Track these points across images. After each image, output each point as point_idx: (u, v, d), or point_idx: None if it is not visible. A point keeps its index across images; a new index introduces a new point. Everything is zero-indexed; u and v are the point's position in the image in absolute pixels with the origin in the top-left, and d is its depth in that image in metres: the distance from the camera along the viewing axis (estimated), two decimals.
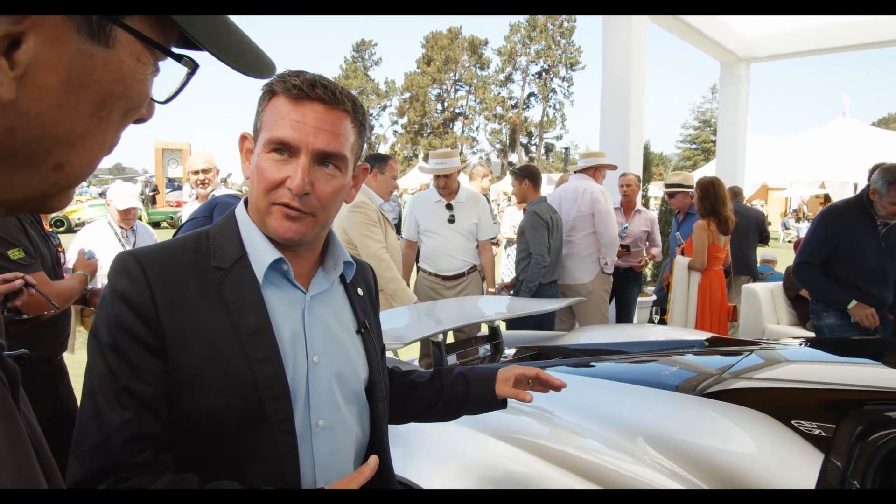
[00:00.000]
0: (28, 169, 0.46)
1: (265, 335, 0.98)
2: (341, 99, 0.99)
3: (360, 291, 1.20)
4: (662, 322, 5.22)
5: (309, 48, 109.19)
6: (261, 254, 1.02)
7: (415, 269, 4.62)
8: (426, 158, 4.51)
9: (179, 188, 21.84)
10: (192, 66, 0.54)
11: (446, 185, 4.17)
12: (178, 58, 0.52)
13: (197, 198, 3.85)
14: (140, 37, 0.48)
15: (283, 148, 0.97)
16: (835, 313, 3.49)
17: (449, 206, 4.20)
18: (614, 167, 5.04)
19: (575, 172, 4.86)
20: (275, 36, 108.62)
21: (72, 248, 3.32)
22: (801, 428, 1.72)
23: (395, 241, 3.85)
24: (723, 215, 4.51)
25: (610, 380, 2.20)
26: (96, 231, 3.47)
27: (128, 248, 3.18)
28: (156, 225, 19.91)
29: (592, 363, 2.51)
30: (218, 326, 0.96)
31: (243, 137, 1.06)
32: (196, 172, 3.75)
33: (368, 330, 1.17)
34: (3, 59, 0.41)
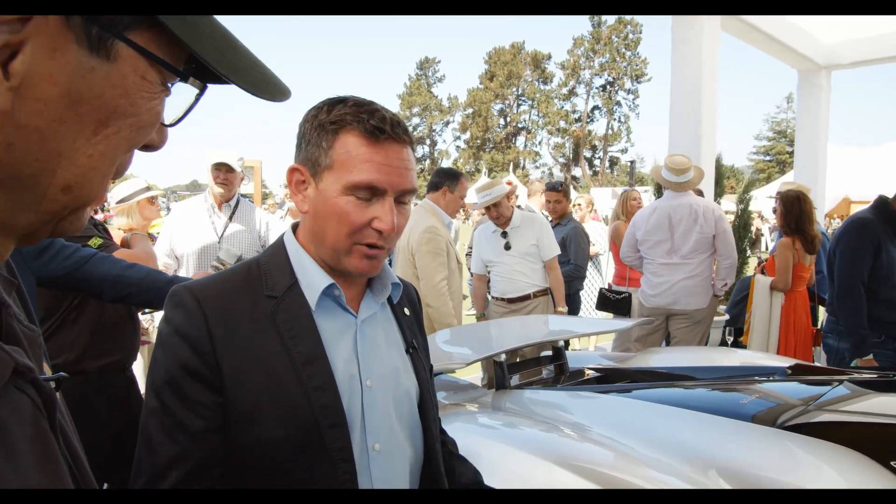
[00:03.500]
0: (35, 190, 0.45)
1: (320, 363, 0.98)
2: (408, 133, 1.01)
3: (406, 311, 1.20)
4: (737, 344, 4.95)
5: (373, 65, 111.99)
6: (313, 280, 1.02)
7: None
8: (489, 173, 4.48)
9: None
10: (200, 87, 0.53)
11: (499, 214, 4.16)
12: (185, 77, 0.51)
13: (287, 212, 3.93)
14: (143, 52, 0.46)
15: (369, 190, 0.96)
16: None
17: (504, 234, 4.19)
18: (701, 174, 4.61)
19: (667, 189, 4.42)
20: (338, 54, 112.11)
21: (164, 231, 3.40)
22: None
23: (455, 266, 3.82)
24: (809, 233, 4.24)
25: (680, 407, 2.08)
26: (189, 210, 3.42)
27: (218, 234, 3.23)
28: None
29: (662, 388, 2.39)
30: (273, 356, 0.96)
31: (295, 170, 1.02)
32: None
33: (417, 350, 1.17)
34: None
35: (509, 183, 5.80)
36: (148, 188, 3.59)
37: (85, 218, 0.52)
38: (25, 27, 0.41)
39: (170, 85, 0.51)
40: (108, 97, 0.45)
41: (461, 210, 4.29)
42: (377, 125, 0.95)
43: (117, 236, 2.80)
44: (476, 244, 4.43)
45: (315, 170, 0.99)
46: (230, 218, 3.29)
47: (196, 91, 0.54)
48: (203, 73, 0.53)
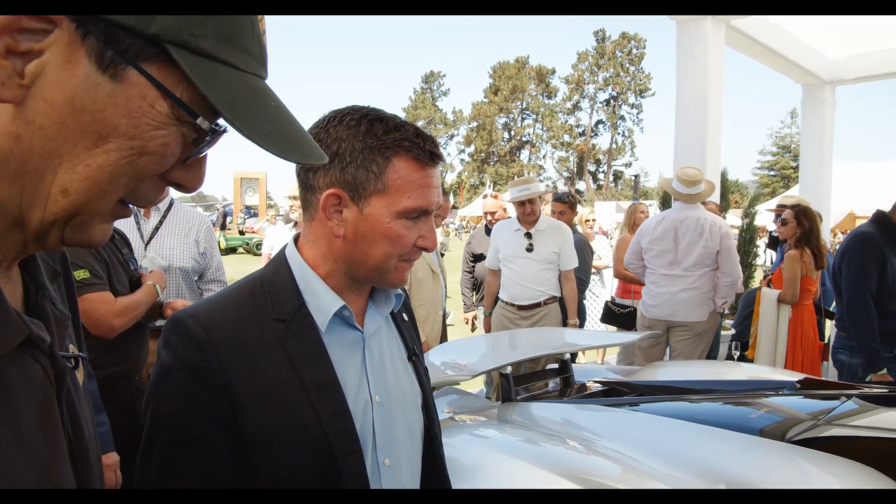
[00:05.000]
0: (40, 186, 0.50)
1: (332, 388, 0.96)
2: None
3: (405, 316, 1.20)
4: (743, 358, 4.91)
5: (379, 78, 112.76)
6: (322, 302, 0.99)
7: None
8: (493, 186, 4.51)
9: (255, 215, 22.79)
10: (209, 129, 0.54)
11: (532, 211, 4.15)
12: (194, 114, 0.52)
13: (294, 225, 3.75)
14: (151, 80, 0.50)
15: (418, 212, 0.98)
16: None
17: (528, 235, 4.16)
18: (712, 187, 4.59)
19: (676, 201, 4.40)
20: (345, 66, 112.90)
21: (266, 241, 3.37)
22: None
23: (422, 275, 3.87)
24: (819, 248, 4.22)
25: (688, 421, 2.07)
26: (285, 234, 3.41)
27: (144, 240, 2.91)
28: (232, 250, 20.79)
29: (668, 402, 2.37)
30: (285, 384, 0.93)
31: (335, 196, 0.96)
32: (295, 197, 3.69)
33: (418, 356, 1.17)
34: (11, 64, 0.46)
35: (495, 196, 5.81)
36: None
37: (93, 234, 0.55)
38: (47, 37, 0.46)
39: (193, 124, 0.53)
40: (109, 113, 0.49)
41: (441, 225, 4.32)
42: (433, 151, 0.97)
43: None
44: (493, 239, 4.41)
45: (357, 193, 0.95)
46: (160, 223, 2.93)
47: (210, 132, 0.55)
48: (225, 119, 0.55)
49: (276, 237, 5.13)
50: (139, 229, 2.89)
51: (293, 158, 0.56)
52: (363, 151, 0.93)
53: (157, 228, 2.92)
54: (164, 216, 2.96)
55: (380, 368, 1.05)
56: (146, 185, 0.55)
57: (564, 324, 4.23)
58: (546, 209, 5.77)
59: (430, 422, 1.15)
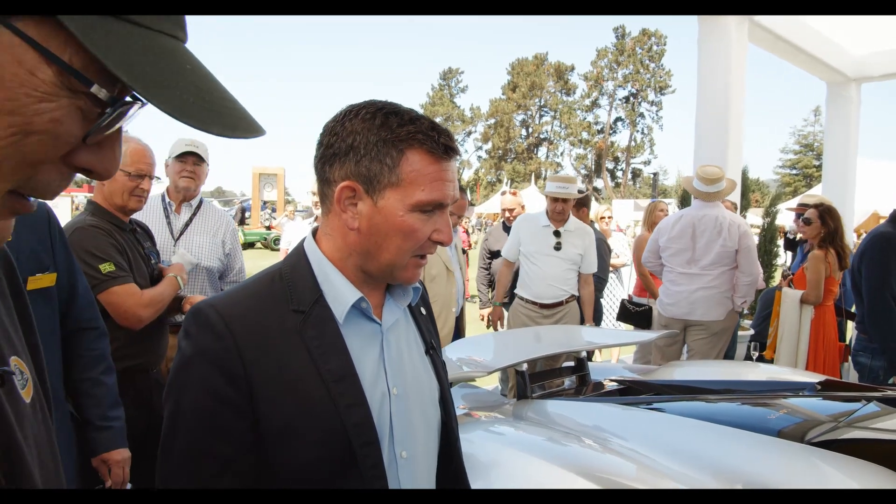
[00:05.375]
0: None
1: (350, 380, 0.97)
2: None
3: (422, 310, 1.20)
4: (761, 359, 4.86)
5: (397, 75, 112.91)
6: (340, 294, 1.00)
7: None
8: (510, 183, 4.50)
9: (273, 210, 22.96)
10: (111, 101, 0.45)
11: (563, 209, 4.14)
12: (87, 81, 0.43)
13: (315, 219, 3.73)
14: (28, 41, 0.41)
15: (433, 206, 0.97)
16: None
17: (557, 233, 4.15)
18: (733, 185, 4.52)
19: (695, 199, 4.36)
20: (362, 63, 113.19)
21: (283, 236, 3.39)
22: None
23: (437, 272, 3.90)
24: (843, 248, 4.16)
25: (705, 421, 2.05)
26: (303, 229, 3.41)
27: (175, 236, 2.89)
28: (250, 245, 20.97)
29: (686, 402, 2.35)
30: (303, 374, 0.94)
31: (349, 188, 0.96)
32: (316, 193, 3.67)
33: (436, 349, 1.17)
34: None
35: (514, 193, 5.78)
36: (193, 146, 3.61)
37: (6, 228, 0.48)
38: None
39: (90, 95, 0.44)
40: None
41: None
42: (447, 144, 0.96)
43: None
44: (516, 232, 4.36)
45: (372, 186, 0.95)
46: (190, 219, 2.91)
47: (111, 103, 0.45)
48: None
49: (294, 232, 5.16)
50: (169, 224, 2.88)
51: (215, 131, 0.46)
52: (377, 144, 0.94)
53: (186, 225, 2.91)
54: (195, 213, 2.95)
55: (397, 361, 1.06)
56: (46, 172, 0.46)
57: (582, 324, 4.23)
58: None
59: (448, 415, 1.15)
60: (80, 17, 0.41)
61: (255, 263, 3.76)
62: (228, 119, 0.47)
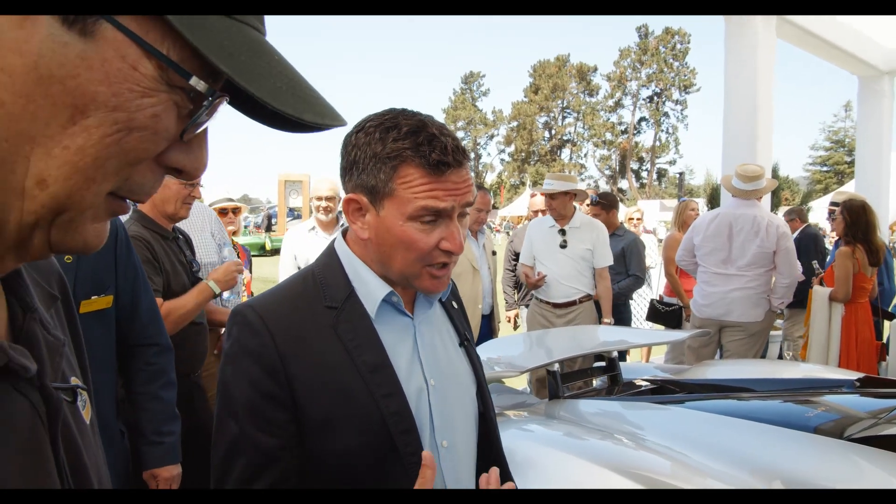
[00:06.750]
0: (10, 180, 0.41)
1: (385, 370, 1.00)
2: (466, 154, 1.01)
3: (454, 304, 1.23)
4: (795, 359, 4.78)
5: (419, 80, 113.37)
6: (370, 289, 1.04)
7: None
8: (534, 185, 4.50)
9: (298, 217, 23.21)
10: (207, 91, 0.45)
11: (551, 206, 4.14)
12: (186, 74, 0.43)
13: (322, 226, 3.62)
14: (132, 37, 0.41)
15: (434, 214, 0.97)
16: None
17: (562, 232, 4.15)
18: (773, 184, 4.41)
19: (733, 198, 4.26)
20: (384, 69, 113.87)
21: (283, 256, 3.47)
22: None
23: (462, 270, 3.91)
24: (874, 243, 4.06)
25: (740, 418, 2.04)
26: (301, 235, 3.46)
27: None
28: (276, 251, 21.23)
29: (720, 400, 2.34)
30: (340, 367, 0.98)
31: (351, 201, 1.01)
32: (320, 199, 3.56)
33: (470, 342, 1.20)
34: None
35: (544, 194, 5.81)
36: (229, 200, 3.66)
37: (86, 235, 0.46)
38: None
39: (186, 90, 0.45)
40: (83, 80, 0.40)
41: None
42: (440, 159, 0.94)
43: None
44: (528, 236, 4.41)
45: (373, 197, 0.98)
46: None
47: (209, 99, 0.46)
48: (230, 88, 0.46)
49: (294, 242, 4.86)
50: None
51: (308, 118, 0.46)
52: (373, 159, 0.96)
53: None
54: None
55: (432, 353, 1.09)
56: (141, 173, 0.46)
57: (599, 323, 4.20)
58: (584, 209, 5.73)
59: (485, 405, 1.18)
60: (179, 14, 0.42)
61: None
62: (318, 108, 0.48)
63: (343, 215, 1.35)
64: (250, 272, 4.00)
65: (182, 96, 0.45)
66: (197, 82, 0.44)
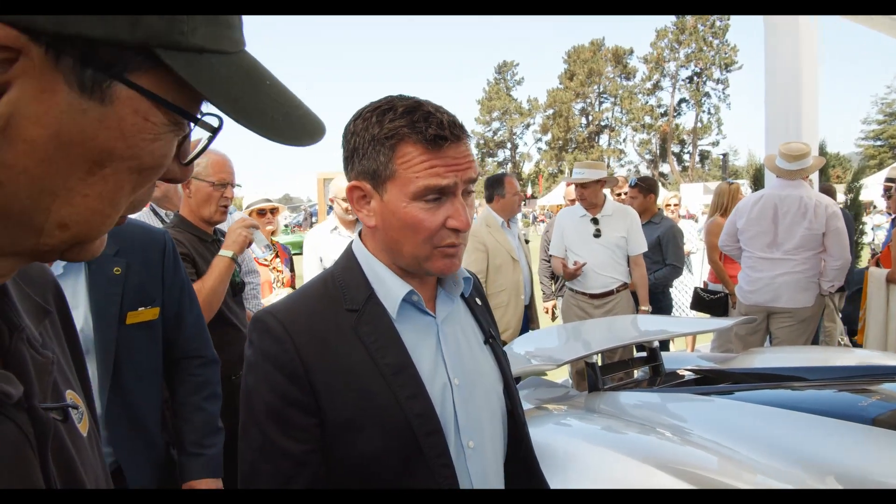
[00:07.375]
0: (30, 225, 0.45)
1: (408, 371, 0.99)
2: (464, 129, 1.00)
3: (478, 301, 1.20)
4: (852, 345, 4.57)
5: (452, 72, 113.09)
6: (390, 289, 1.03)
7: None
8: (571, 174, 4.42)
9: None
10: (211, 129, 0.50)
11: (583, 196, 4.07)
12: (193, 118, 0.48)
13: (345, 225, 3.65)
14: (145, 93, 0.44)
15: (437, 192, 0.96)
16: None
17: (594, 221, 4.08)
18: (820, 162, 4.22)
19: (778, 178, 4.09)
20: (416, 62, 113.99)
21: (306, 258, 3.50)
22: None
23: (501, 261, 3.92)
24: None
25: (790, 409, 1.95)
26: (324, 236, 3.52)
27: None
28: None
29: (769, 390, 2.25)
30: (362, 369, 0.97)
31: (354, 188, 1.01)
32: (344, 199, 3.55)
33: (495, 339, 1.17)
34: None
35: (611, 174, 5.73)
36: (266, 200, 3.73)
37: (94, 251, 0.51)
38: (12, 68, 0.40)
39: (189, 123, 0.49)
40: (101, 139, 0.44)
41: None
42: (437, 133, 0.94)
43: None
44: (558, 226, 4.34)
45: (376, 182, 0.98)
46: None
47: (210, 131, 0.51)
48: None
49: (315, 244, 4.83)
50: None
51: (306, 142, 0.51)
52: (371, 142, 0.96)
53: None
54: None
55: (456, 352, 1.07)
56: (142, 192, 0.51)
57: (637, 312, 4.10)
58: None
59: (513, 404, 1.15)
60: (183, 60, 0.44)
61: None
62: (309, 127, 0.52)
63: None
64: (291, 271, 4.03)
65: (183, 126, 0.49)
66: (204, 124, 0.49)
